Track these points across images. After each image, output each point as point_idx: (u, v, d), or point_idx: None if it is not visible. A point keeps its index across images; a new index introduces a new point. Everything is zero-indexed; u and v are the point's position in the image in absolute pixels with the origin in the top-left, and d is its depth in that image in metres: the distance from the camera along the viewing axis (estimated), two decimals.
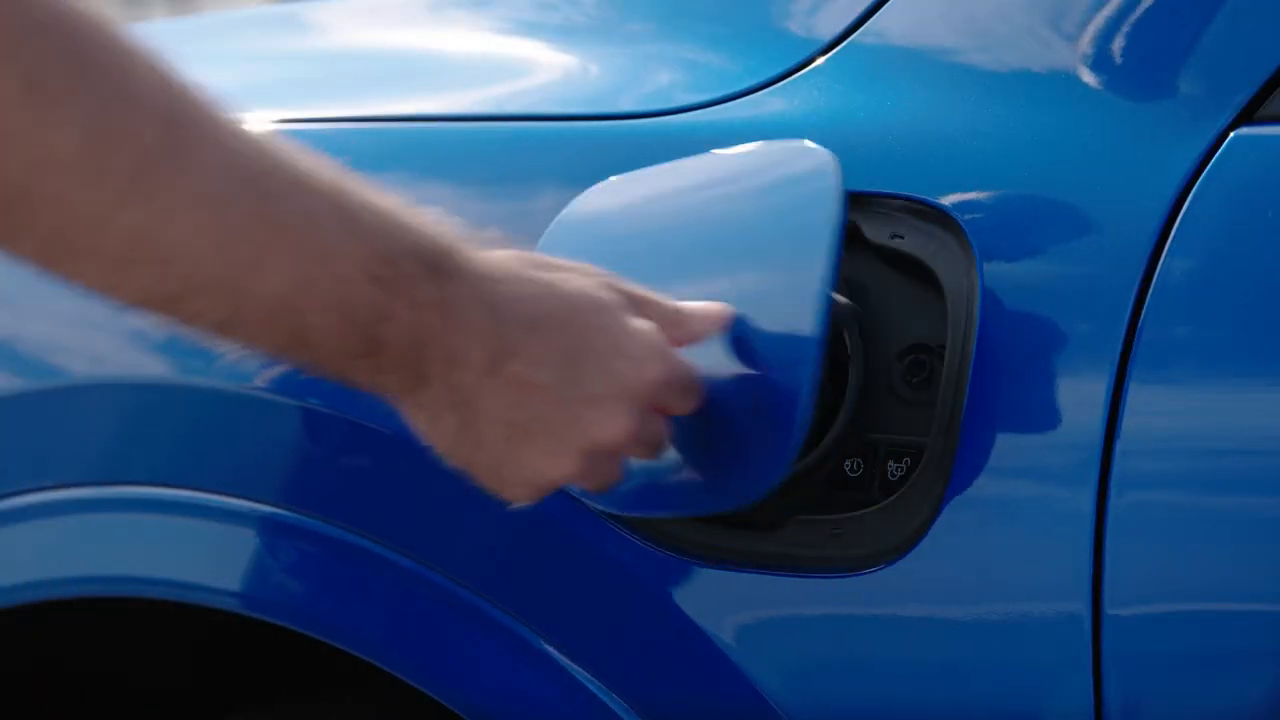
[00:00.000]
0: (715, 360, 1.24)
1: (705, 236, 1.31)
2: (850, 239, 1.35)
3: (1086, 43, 1.35)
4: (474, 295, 1.10)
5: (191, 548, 1.57)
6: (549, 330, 1.13)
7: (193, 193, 0.99)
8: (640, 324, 1.17)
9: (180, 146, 0.99)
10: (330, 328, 1.05)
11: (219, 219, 1.00)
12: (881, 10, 1.42)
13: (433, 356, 1.10)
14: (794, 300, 1.22)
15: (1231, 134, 1.24)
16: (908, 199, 1.32)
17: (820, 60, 1.43)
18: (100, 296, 1.02)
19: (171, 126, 0.98)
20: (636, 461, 1.24)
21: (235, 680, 1.90)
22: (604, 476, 1.19)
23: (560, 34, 1.67)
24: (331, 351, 1.07)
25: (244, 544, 1.54)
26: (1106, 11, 1.35)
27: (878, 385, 1.34)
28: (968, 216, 1.30)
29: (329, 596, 1.49)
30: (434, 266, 1.08)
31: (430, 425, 1.13)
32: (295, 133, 1.33)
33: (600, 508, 1.33)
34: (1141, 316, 1.22)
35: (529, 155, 1.52)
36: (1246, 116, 1.25)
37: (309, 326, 1.05)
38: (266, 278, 1.02)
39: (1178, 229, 1.22)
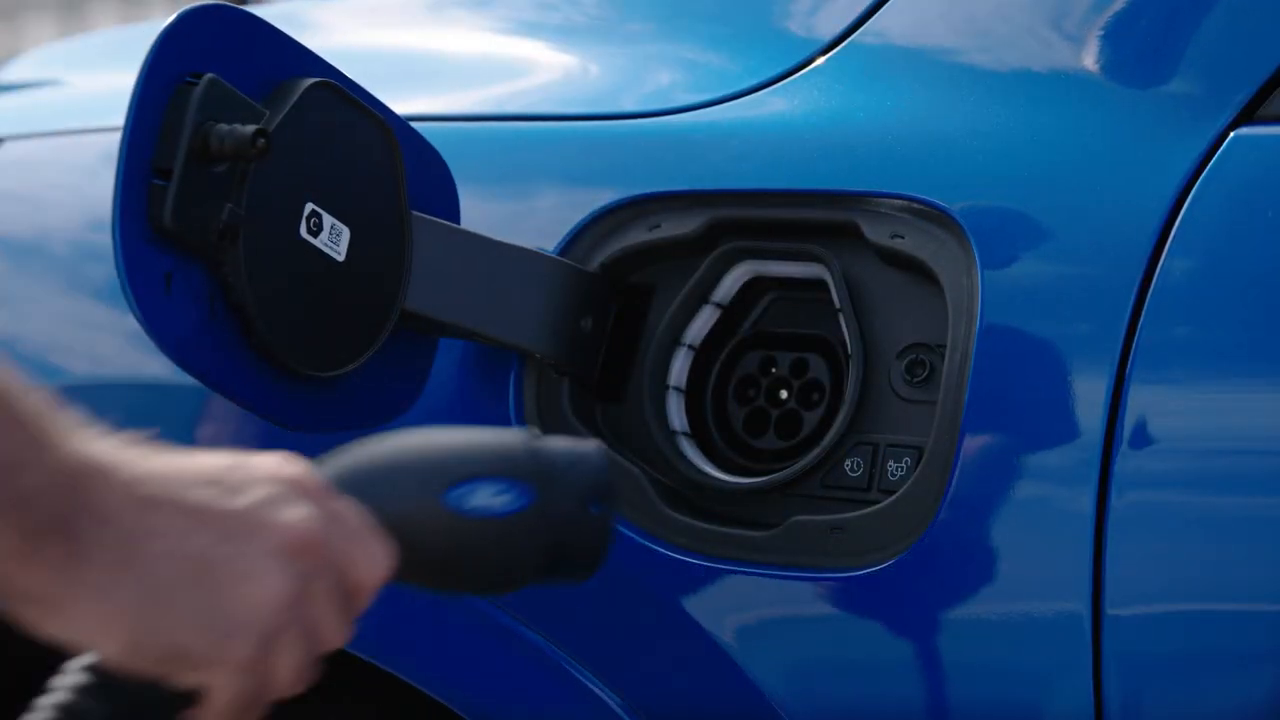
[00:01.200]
0: None
1: None
2: (850, 239, 1.35)
3: (1086, 43, 1.35)
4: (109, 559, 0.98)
5: None
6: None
7: None
8: (270, 584, 1.02)
9: None
10: None
11: None
12: (881, 10, 1.42)
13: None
14: None
15: (1231, 134, 1.24)
16: (908, 199, 1.32)
17: (820, 60, 1.43)
18: None
19: None
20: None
21: None
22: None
23: (560, 34, 1.67)
24: None
25: None
26: (1106, 12, 1.35)
27: (878, 385, 1.34)
28: (968, 216, 1.30)
29: None
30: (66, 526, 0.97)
31: (106, 604, 0.98)
32: None
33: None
34: (1141, 316, 1.22)
35: (529, 155, 1.52)
36: (1246, 116, 1.25)
37: None
38: None
39: (1178, 229, 1.22)
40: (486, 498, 1.14)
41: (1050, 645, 1.23)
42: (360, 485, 1.12)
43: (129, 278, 1.22)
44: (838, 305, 1.35)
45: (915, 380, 1.32)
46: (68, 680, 1.02)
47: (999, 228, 1.29)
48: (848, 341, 1.35)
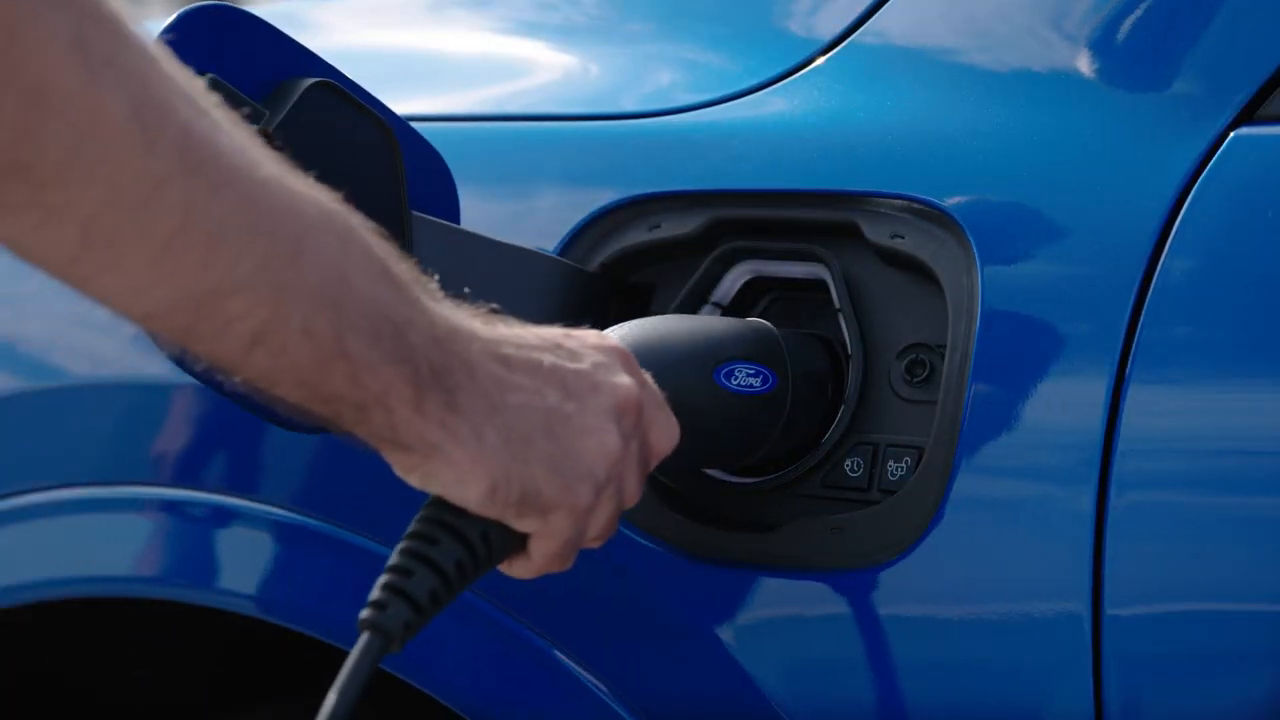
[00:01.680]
0: None
1: None
2: (850, 239, 1.35)
3: (1086, 43, 1.35)
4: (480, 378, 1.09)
5: (190, 548, 1.57)
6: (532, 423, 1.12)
7: (238, 167, 0.96)
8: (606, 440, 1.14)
9: (217, 124, 0.96)
10: (360, 349, 1.02)
11: (266, 193, 0.97)
12: (881, 10, 1.42)
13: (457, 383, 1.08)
14: None
15: (1231, 134, 1.24)
16: (908, 199, 1.32)
17: (820, 60, 1.43)
18: (125, 307, 0.96)
19: (202, 105, 0.95)
20: None
21: (233, 680, 1.90)
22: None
23: (560, 34, 1.67)
24: (360, 370, 1.02)
25: (243, 544, 1.54)
26: (1106, 12, 1.35)
27: (878, 385, 1.34)
28: (968, 216, 1.30)
29: (328, 596, 1.49)
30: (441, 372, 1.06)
31: (475, 451, 1.08)
32: None
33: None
34: (1141, 316, 1.22)
35: (529, 155, 1.52)
36: (1246, 116, 1.25)
37: (340, 340, 1.01)
38: (307, 266, 0.98)
39: (1178, 229, 1.22)
40: (746, 377, 1.31)
41: (1050, 645, 1.23)
42: (642, 360, 1.23)
43: None
44: (838, 305, 1.35)
45: (915, 380, 1.32)
46: (420, 525, 1.12)
47: (999, 228, 1.29)
48: (848, 341, 1.35)
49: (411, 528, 1.12)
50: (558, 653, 1.40)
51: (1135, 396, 1.21)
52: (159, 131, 0.92)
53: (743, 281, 1.40)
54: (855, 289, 1.35)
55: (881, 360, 1.34)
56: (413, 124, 1.42)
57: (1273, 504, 1.20)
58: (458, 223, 1.45)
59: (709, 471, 1.39)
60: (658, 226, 1.41)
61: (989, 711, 1.25)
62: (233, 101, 1.26)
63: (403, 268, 1.05)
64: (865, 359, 1.34)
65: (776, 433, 1.33)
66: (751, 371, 1.31)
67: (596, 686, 1.38)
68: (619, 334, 1.28)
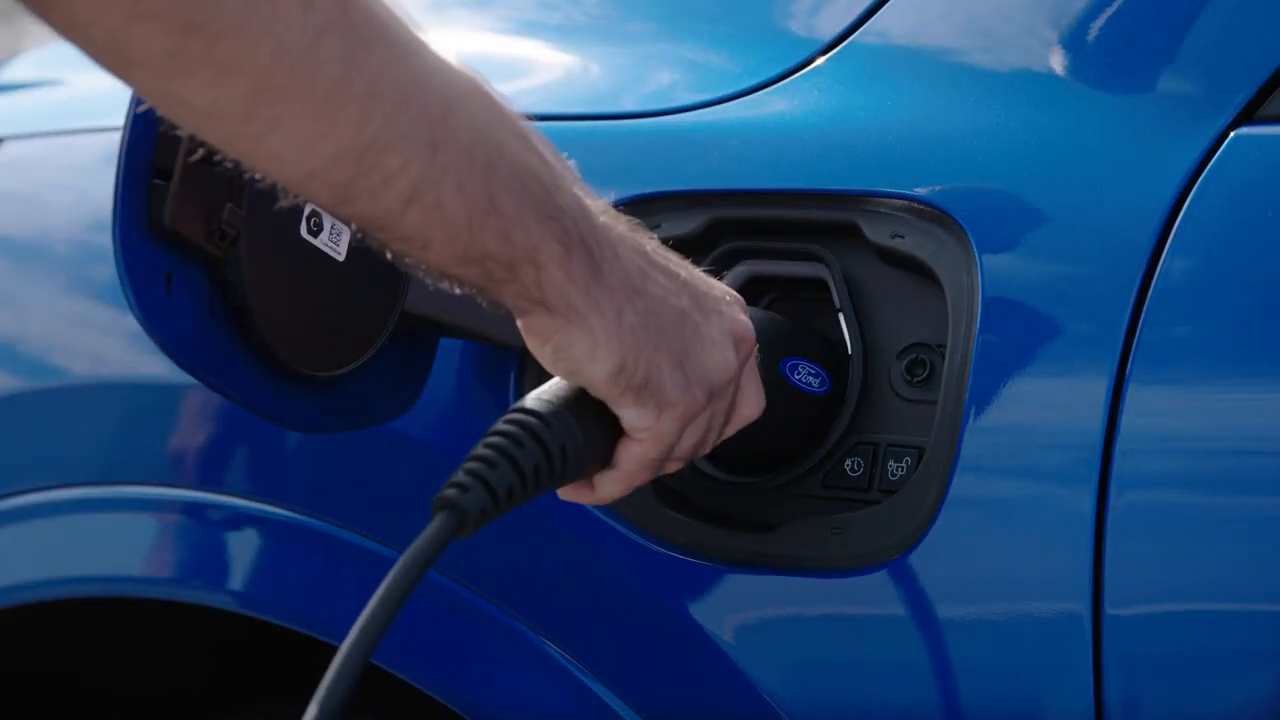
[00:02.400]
0: None
1: None
2: (850, 238, 1.35)
3: (1086, 43, 1.35)
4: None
5: (190, 547, 1.57)
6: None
7: (391, 27, 1.01)
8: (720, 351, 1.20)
9: None
10: (512, 206, 1.06)
11: (417, 54, 1.02)
12: (881, 10, 1.42)
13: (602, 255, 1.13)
14: None
15: (1231, 134, 1.24)
16: (908, 199, 1.32)
17: (820, 60, 1.43)
18: (292, 163, 1.01)
19: None
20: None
21: (231, 680, 1.90)
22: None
23: (560, 34, 1.67)
24: (511, 226, 1.06)
25: (243, 543, 1.54)
26: (1106, 12, 1.35)
27: (878, 385, 1.34)
28: (968, 216, 1.30)
29: (327, 595, 1.49)
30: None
31: (614, 325, 1.12)
32: None
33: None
34: (1142, 316, 1.22)
35: None
36: (1246, 116, 1.25)
37: (493, 197, 1.05)
38: (458, 126, 1.03)
39: (1178, 229, 1.22)
40: (807, 375, 1.34)
41: (1050, 645, 1.23)
42: None
43: (129, 277, 1.23)
44: (838, 305, 1.35)
45: (915, 380, 1.32)
46: (507, 425, 1.16)
47: (999, 228, 1.29)
48: (848, 341, 1.35)
49: (497, 426, 1.16)
50: (557, 652, 1.40)
51: (1135, 396, 1.21)
52: None
53: (743, 281, 1.40)
54: (855, 289, 1.35)
55: (881, 360, 1.34)
56: None
57: (1273, 504, 1.20)
58: None
59: (709, 471, 1.39)
60: (658, 226, 1.41)
61: (989, 711, 1.25)
62: None
63: (548, 146, 1.10)
64: (865, 359, 1.34)
65: (820, 438, 1.35)
66: (813, 371, 1.33)
67: (596, 686, 1.38)
68: None
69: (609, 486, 1.21)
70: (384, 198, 1.03)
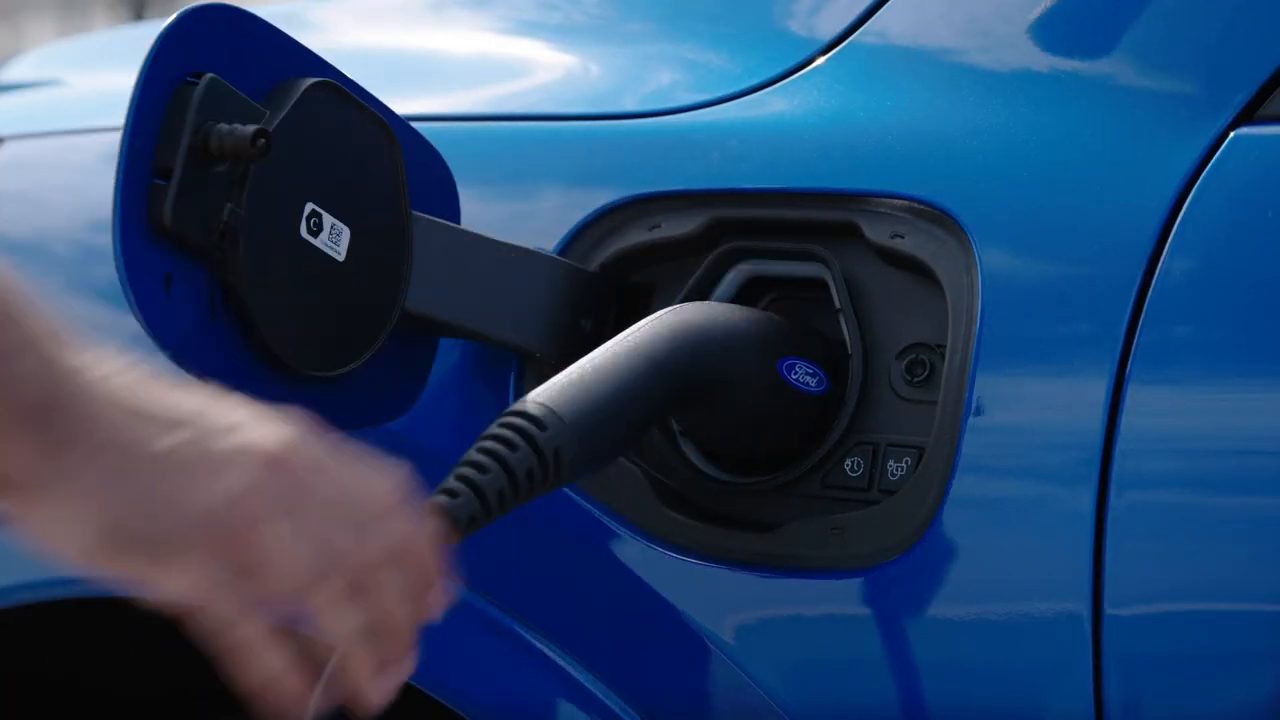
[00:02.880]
0: None
1: None
2: (850, 239, 1.35)
3: (1086, 43, 1.35)
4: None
5: None
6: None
7: None
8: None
9: None
10: None
11: None
12: (881, 10, 1.42)
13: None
14: None
15: (1231, 134, 1.24)
16: (908, 199, 1.32)
17: (820, 60, 1.43)
18: None
19: None
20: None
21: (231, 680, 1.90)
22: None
23: (560, 33, 1.67)
24: None
25: None
26: (1106, 11, 1.35)
27: (878, 385, 1.34)
28: (968, 216, 1.30)
29: None
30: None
31: (92, 489, 1.01)
32: None
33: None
34: (1141, 316, 1.22)
35: (529, 155, 1.52)
36: (1246, 116, 1.25)
37: None
38: None
39: (1178, 229, 1.22)
40: (804, 374, 1.33)
41: (1050, 645, 1.23)
42: (710, 340, 1.28)
43: (129, 278, 1.23)
44: (838, 305, 1.35)
45: (915, 380, 1.32)
46: (499, 429, 1.16)
47: (999, 228, 1.29)
48: (848, 341, 1.35)
49: (490, 430, 1.15)
50: (557, 652, 1.40)
51: (1135, 396, 1.21)
52: None
53: (743, 281, 1.40)
54: (855, 289, 1.35)
55: (881, 360, 1.34)
56: (413, 124, 1.42)
57: (1273, 504, 1.20)
58: (458, 223, 1.45)
59: (709, 471, 1.39)
60: (658, 226, 1.41)
61: (989, 711, 1.25)
62: (233, 101, 1.26)
63: (16, 300, 1.03)
64: (865, 359, 1.34)
65: (816, 439, 1.34)
66: (810, 371, 1.33)
67: (596, 686, 1.38)
68: (683, 314, 1.30)
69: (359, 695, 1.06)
70: None
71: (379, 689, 1.07)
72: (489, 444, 1.16)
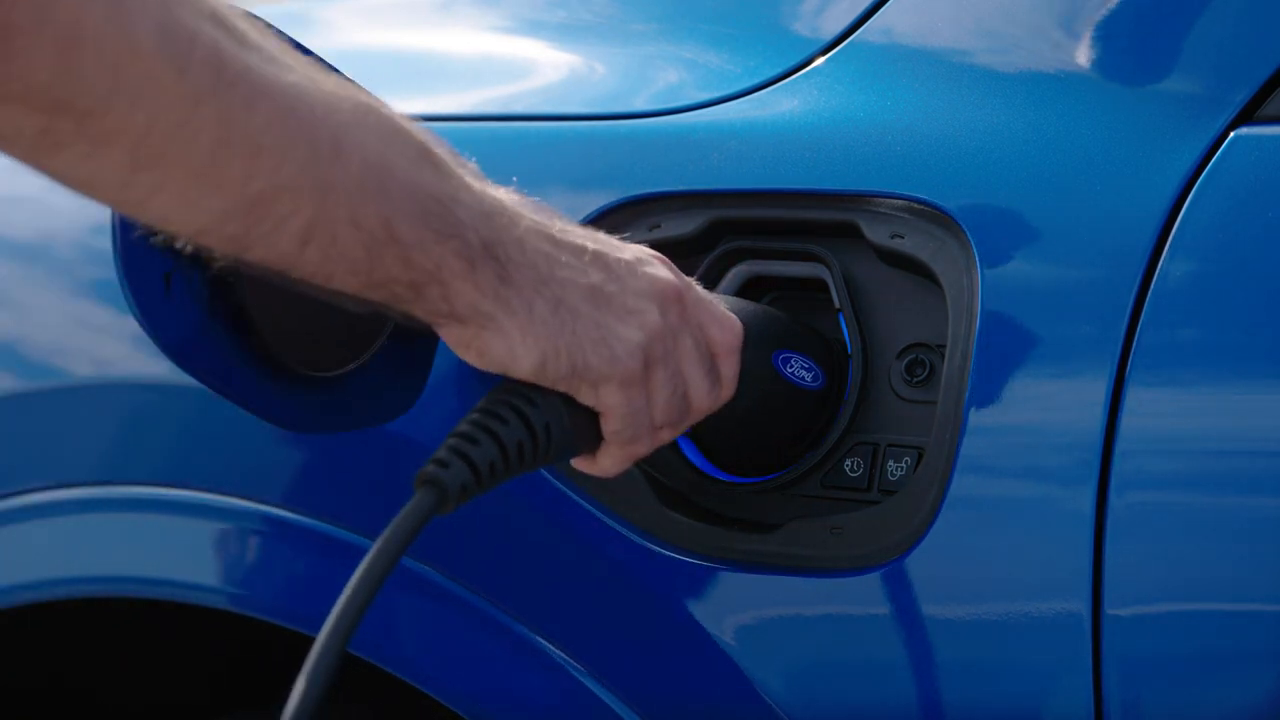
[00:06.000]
0: None
1: None
2: (850, 239, 1.35)
3: (1086, 42, 1.35)
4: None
5: (190, 548, 1.57)
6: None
7: (269, 78, 1.00)
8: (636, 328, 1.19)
9: (245, 37, 1.00)
10: (409, 231, 1.06)
11: (300, 99, 1.01)
12: (882, 10, 1.42)
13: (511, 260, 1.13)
14: None
15: (1231, 134, 1.24)
16: (908, 199, 1.32)
17: (821, 60, 1.43)
18: (180, 223, 1.01)
19: (229, 22, 0.99)
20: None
21: (230, 681, 1.90)
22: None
23: (560, 33, 1.68)
24: (410, 251, 1.07)
25: (242, 544, 1.54)
26: (1106, 11, 1.35)
27: (878, 385, 1.34)
28: (968, 216, 1.30)
29: (327, 596, 1.48)
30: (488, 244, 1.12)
31: (526, 321, 1.13)
32: None
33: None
34: (1141, 316, 1.22)
35: (529, 155, 1.52)
36: (1246, 116, 1.25)
37: (389, 226, 1.05)
38: (348, 161, 1.03)
39: (1177, 229, 1.22)
40: (800, 369, 1.33)
41: (1050, 645, 1.23)
42: None
43: (127, 278, 1.23)
44: (838, 305, 1.35)
45: (915, 380, 1.32)
46: (490, 402, 1.17)
47: (999, 228, 1.29)
48: (848, 341, 1.35)
49: (482, 403, 1.17)
50: (557, 652, 1.40)
51: (1135, 396, 1.21)
52: (188, 54, 0.95)
53: (743, 281, 1.40)
54: (855, 289, 1.35)
55: (881, 360, 1.34)
56: (420, 124, 1.42)
57: (1273, 504, 1.20)
58: None
59: (709, 471, 1.39)
60: (658, 226, 1.41)
61: (989, 711, 1.25)
62: None
63: (443, 150, 1.10)
64: (865, 359, 1.34)
65: (817, 430, 1.35)
66: (806, 366, 1.33)
67: (595, 686, 1.38)
68: None
69: (604, 461, 1.22)
70: (279, 242, 1.03)
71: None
72: (480, 416, 1.16)
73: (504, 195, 1.14)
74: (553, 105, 1.54)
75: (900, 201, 1.33)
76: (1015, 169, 1.30)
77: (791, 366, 1.33)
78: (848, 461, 1.33)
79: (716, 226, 1.39)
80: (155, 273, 1.25)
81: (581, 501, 1.39)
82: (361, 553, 1.45)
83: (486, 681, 1.43)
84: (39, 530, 1.63)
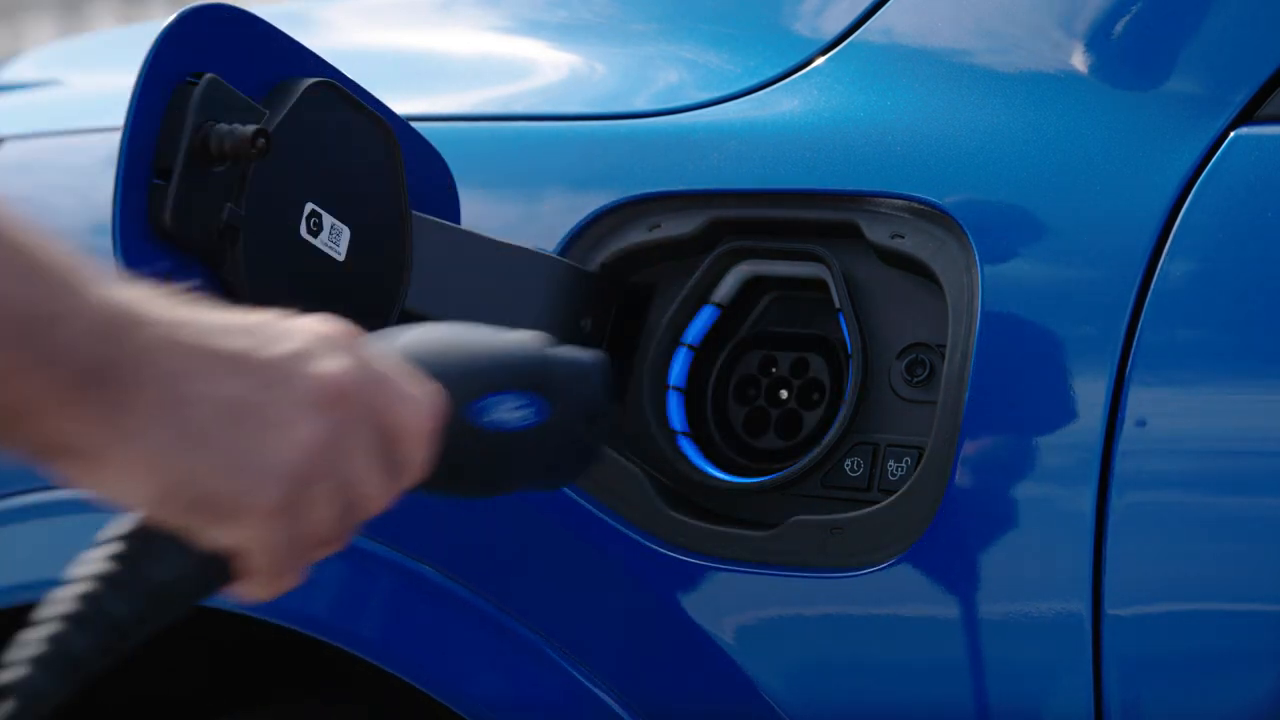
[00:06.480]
0: None
1: None
2: (850, 239, 1.35)
3: (1086, 43, 1.35)
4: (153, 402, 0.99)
5: None
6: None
7: None
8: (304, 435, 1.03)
9: None
10: (2, 357, 0.94)
11: None
12: (882, 10, 1.42)
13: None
14: None
15: (1231, 134, 1.24)
16: (908, 199, 1.32)
17: (821, 60, 1.43)
18: None
19: None
20: None
21: (231, 681, 1.90)
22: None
23: (561, 33, 1.68)
24: (3, 380, 0.94)
25: None
26: (1106, 12, 1.35)
27: (878, 385, 1.34)
28: (968, 217, 1.30)
29: (326, 596, 1.48)
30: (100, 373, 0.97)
31: (143, 451, 0.98)
32: None
33: None
34: (1141, 316, 1.22)
35: (529, 154, 1.52)
36: (1246, 116, 1.25)
37: None
38: None
39: (1177, 229, 1.22)
40: (504, 412, 1.18)
41: (1050, 645, 1.23)
42: None
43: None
44: (838, 305, 1.35)
45: (915, 380, 1.32)
46: (104, 548, 1.04)
47: (999, 228, 1.29)
48: (848, 341, 1.35)
49: (87, 565, 1.05)
50: (557, 652, 1.40)
51: (1135, 396, 1.21)
52: None
53: (743, 281, 1.40)
54: (855, 289, 1.35)
55: (881, 360, 1.34)
56: (413, 124, 1.42)
57: (1273, 504, 1.20)
58: (458, 223, 1.45)
59: (709, 471, 1.39)
60: (658, 226, 1.41)
61: (989, 711, 1.25)
62: (233, 101, 1.26)
63: (57, 257, 0.98)
64: (865, 359, 1.34)
65: (538, 466, 1.22)
66: (514, 405, 1.19)
67: (595, 686, 1.38)
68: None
69: (256, 590, 1.06)
70: None
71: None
72: (66, 606, 1.05)
73: (134, 298, 0.99)
74: (553, 105, 1.54)
75: (900, 201, 1.33)
76: (1015, 169, 1.30)
77: (493, 412, 1.18)
78: (848, 461, 1.33)
79: (716, 226, 1.39)
80: (156, 272, 1.25)
81: (581, 501, 1.39)
82: (360, 552, 1.46)
83: (486, 681, 1.43)
84: (39, 530, 1.63)
